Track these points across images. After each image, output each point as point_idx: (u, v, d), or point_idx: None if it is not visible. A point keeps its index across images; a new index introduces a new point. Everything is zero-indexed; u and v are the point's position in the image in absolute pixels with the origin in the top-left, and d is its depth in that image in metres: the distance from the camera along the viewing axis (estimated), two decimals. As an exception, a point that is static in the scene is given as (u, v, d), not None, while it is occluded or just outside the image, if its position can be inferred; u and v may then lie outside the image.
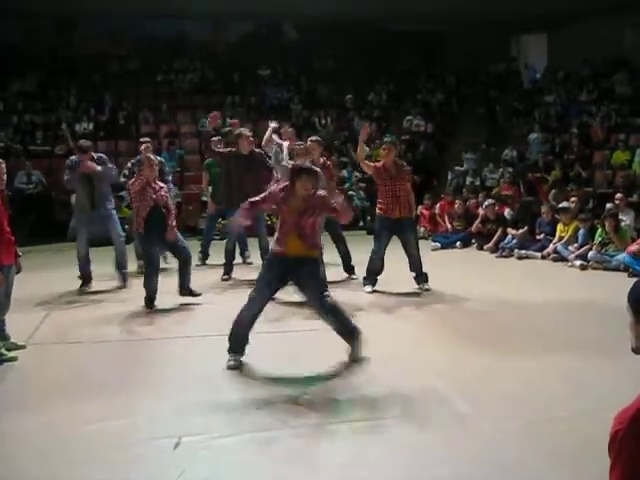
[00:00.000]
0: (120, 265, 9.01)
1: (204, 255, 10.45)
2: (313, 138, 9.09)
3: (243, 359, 5.67)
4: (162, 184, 8.04)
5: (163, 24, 19.97)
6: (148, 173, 7.72)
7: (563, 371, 5.42)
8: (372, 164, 8.63)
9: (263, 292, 5.70)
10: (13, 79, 18.56)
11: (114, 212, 9.05)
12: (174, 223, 7.92)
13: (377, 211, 8.55)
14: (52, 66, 19.45)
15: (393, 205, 8.31)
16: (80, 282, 8.80)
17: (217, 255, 10.05)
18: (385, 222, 8.42)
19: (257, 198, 5.93)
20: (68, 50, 20.09)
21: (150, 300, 7.83)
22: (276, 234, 5.81)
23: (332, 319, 5.72)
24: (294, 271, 5.66)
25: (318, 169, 5.91)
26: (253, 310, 5.66)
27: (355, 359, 5.65)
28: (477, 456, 3.99)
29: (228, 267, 9.46)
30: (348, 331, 5.72)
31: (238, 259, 10.23)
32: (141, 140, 10.30)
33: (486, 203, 12.72)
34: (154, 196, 7.70)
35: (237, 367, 5.60)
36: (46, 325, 7.18)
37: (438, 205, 13.98)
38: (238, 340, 5.69)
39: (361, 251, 9.09)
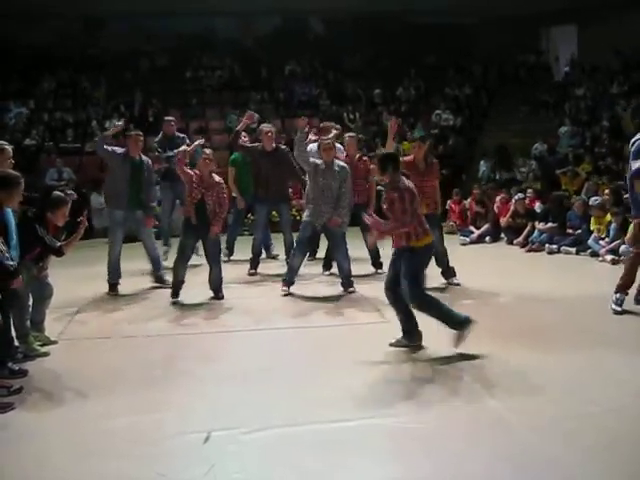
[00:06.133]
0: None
1: (230, 251, 10.42)
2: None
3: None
4: (219, 178, 7.92)
5: (191, 21, 20.07)
6: (201, 166, 7.77)
7: (594, 366, 5.36)
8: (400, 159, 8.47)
9: None
10: (44, 78, 18.76)
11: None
12: (217, 219, 7.77)
13: None
14: (82, 64, 19.62)
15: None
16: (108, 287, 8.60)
17: (240, 251, 10.14)
18: None
19: None
20: (98, 48, 20.25)
21: (175, 289, 7.89)
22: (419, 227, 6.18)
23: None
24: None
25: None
26: None
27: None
28: (507, 452, 3.96)
29: (255, 262, 9.47)
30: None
31: (262, 253, 10.25)
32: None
33: (516, 197, 12.60)
34: (202, 190, 7.72)
35: None
36: (77, 321, 7.25)
37: (469, 200, 13.84)
38: None
39: (387, 246, 9.01)
